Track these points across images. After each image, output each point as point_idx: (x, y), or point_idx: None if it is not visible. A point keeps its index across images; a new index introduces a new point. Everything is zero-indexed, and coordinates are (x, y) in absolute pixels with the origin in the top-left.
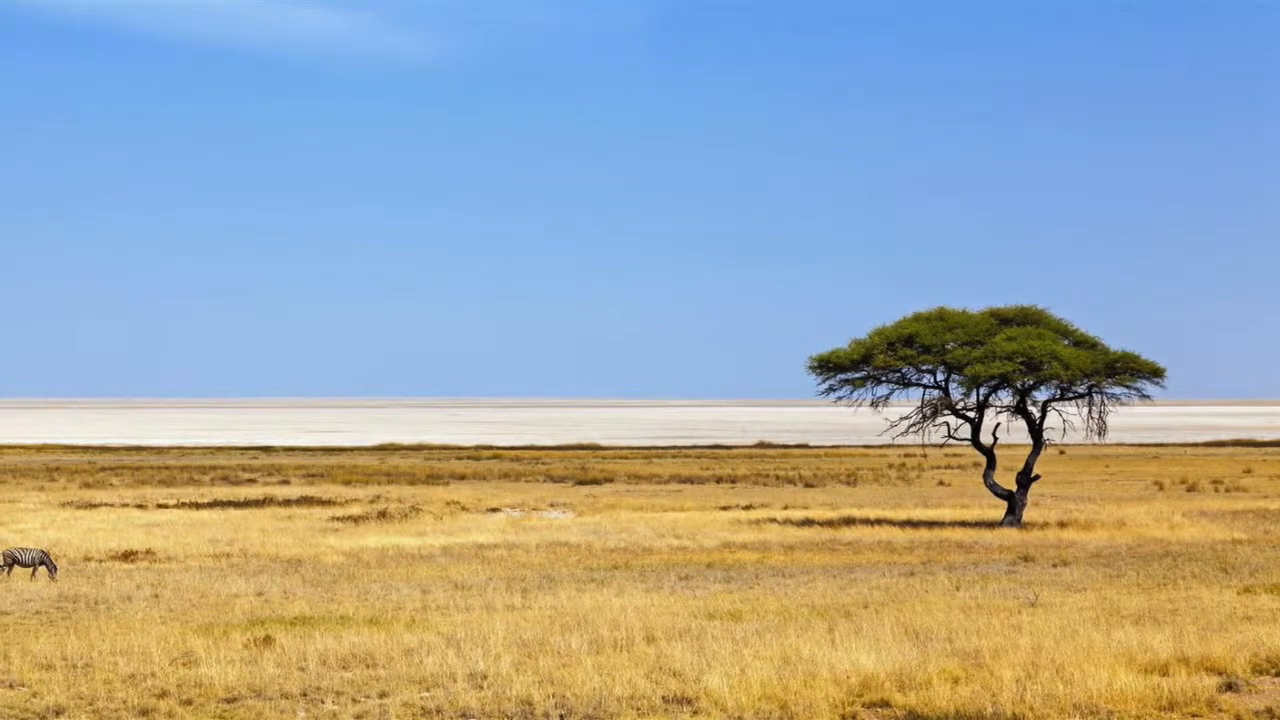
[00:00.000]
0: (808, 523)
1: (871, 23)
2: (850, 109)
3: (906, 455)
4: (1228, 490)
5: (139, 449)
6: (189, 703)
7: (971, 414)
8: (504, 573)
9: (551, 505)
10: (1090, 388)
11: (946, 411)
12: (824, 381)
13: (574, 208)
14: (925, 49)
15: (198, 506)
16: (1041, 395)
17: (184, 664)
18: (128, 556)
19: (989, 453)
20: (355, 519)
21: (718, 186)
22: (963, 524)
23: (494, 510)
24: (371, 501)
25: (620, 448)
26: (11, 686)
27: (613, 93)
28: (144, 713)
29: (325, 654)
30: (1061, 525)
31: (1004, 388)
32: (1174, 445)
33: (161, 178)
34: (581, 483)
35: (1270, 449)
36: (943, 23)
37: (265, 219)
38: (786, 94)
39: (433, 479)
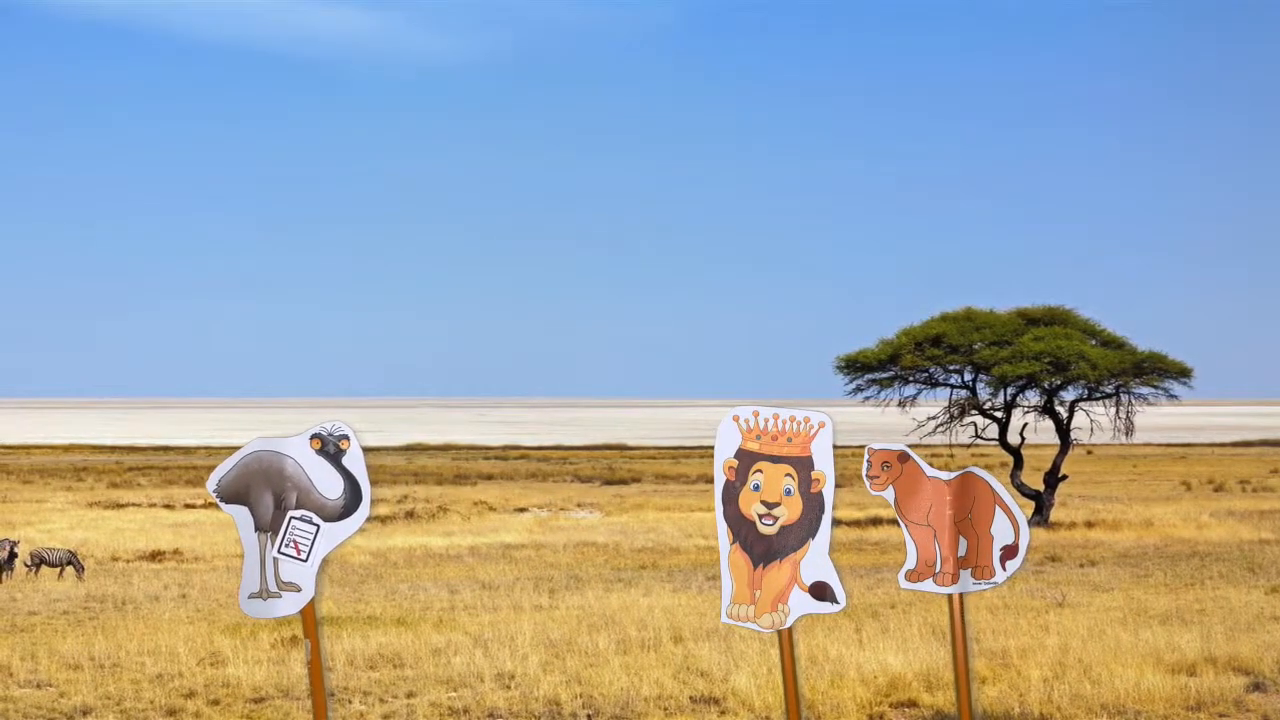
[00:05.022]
0: (834, 522)
1: (898, 22)
2: (877, 108)
3: (934, 455)
4: (1255, 490)
5: (166, 449)
6: (216, 703)
7: (999, 414)
8: (531, 573)
9: (579, 505)
10: (1118, 388)
11: (974, 411)
12: (851, 381)
13: (595, 207)
14: (952, 48)
15: None
16: (1069, 395)
17: (211, 664)
18: (155, 556)
19: (1016, 453)
20: (382, 519)
21: (744, 186)
22: None
23: (521, 510)
24: (399, 501)
25: (647, 448)
26: (39, 686)
27: (640, 92)
28: (171, 713)
29: (352, 654)
30: (1089, 525)
31: (1031, 388)
32: (1201, 445)
33: (187, 178)
34: (609, 483)
35: None
36: (970, 21)
37: (292, 219)
38: (813, 93)
39: (460, 479)
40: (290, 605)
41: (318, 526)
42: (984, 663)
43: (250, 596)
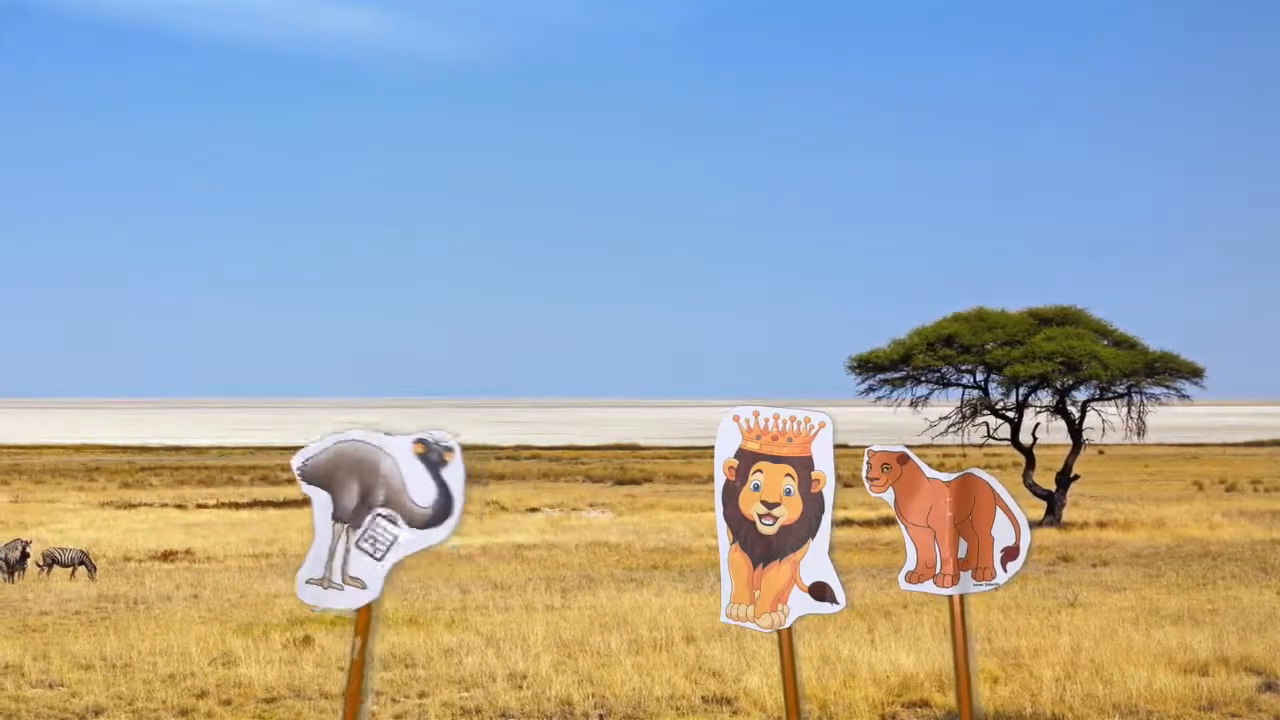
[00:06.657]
0: (846, 523)
1: (906, 23)
2: (887, 109)
3: (945, 455)
4: (1267, 490)
5: (178, 449)
6: (228, 703)
7: (1011, 414)
8: (543, 573)
9: (590, 505)
10: (1129, 388)
11: (986, 411)
12: (863, 381)
13: (607, 208)
14: (961, 49)
15: (237, 506)
16: (1081, 395)
17: (223, 664)
18: (167, 556)
19: (1028, 453)
20: None
21: (755, 186)
22: None
23: (533, 510)
24: None
25: (659, 448)
26: (51, 687)
27: (642, 92)
28: (183, 713)
29: None
30: (1101, 525)
31: (1043, 388)
32: (1213, 445)
33: (196, 178)
34: (620, 483)
35: None
36: (979, 23)
37: (300, 219)
38: (822, 94)
39: (471, 478)
40: (350, 600)
41: (399, 530)
42: (996, 662)
43: (308, 582)
